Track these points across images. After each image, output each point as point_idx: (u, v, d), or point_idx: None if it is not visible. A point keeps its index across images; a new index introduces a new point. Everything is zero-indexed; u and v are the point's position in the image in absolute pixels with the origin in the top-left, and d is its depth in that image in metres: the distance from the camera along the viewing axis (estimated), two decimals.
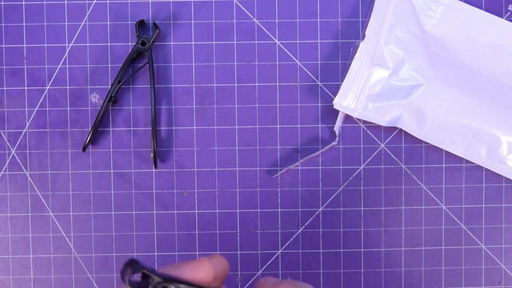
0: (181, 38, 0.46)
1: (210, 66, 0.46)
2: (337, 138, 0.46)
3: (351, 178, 0.46)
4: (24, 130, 0.46)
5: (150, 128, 0.46)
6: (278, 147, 0.46)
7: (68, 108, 0.46)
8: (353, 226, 0.46)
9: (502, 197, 0.46)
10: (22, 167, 0.46)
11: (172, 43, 0.46)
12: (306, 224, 0.46)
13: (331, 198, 0.46)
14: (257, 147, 0.46)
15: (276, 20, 0.46)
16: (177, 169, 0.46)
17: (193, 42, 0.46)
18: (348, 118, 0.46)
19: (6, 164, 0.46)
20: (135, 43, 0.45)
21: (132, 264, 0.20)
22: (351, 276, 0.46)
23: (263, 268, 0.46)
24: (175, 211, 0.46)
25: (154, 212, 0.46)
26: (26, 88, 0.46)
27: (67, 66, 0.46)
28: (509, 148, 0.45)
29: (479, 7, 0.45)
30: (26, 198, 0.46)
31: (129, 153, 0.46)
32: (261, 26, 0.46)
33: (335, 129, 0.46)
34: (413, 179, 0.46)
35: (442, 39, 0.45)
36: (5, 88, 0.46)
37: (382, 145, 0.46)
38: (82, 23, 0.46)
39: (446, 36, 0.45)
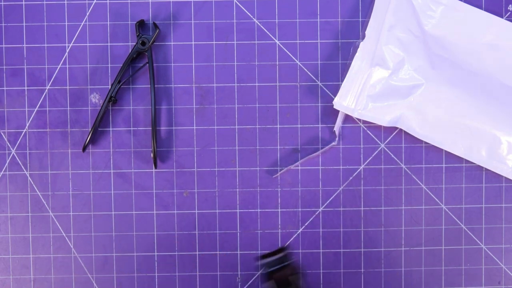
0: (181, 38, 0.46)
1: (210, 66, 0.46)
2: (337, 138, 0.46)
3: (351, 178, 0.46)
4: (24, 130, 0.46)
5: (150, 128, 0.46)
6: (278, 147, 0.46)
7: (68, 108, 0.46)
8: (353, 226, 0.46)
9: (502, 197, 0.46)
10: (22, 167, 0.46)
11: (172, 43, 0.46)
12: (306, 224, 0.46)
13: (331, 198, 0.46)
14: (257, 147, 0.46)
15: (276, 20, 0.46)
16: (177, 169, 0.46)
17: (193, 42, 0.46)
18: (348, 118, 0.46)
19: (6, 164, 0.46)
20: (135, 43, 0.45)
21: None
22: (351, 276, 0.46)
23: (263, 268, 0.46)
24: (175, 211, 0.46)
25: (154, 212, 0.46)
26: (26, 88, 0.46)
27: (67, 66, 0.46)
28: (509, 148, 0.45)
29: (479, 7, 0.45)
30: (26, 198, 0.46)
31: (129, 153, 0.46)
32: (261, 26, 0.46)
33: (335, 129, 0.46)
34: (413, 179, 0.46)
35: (442, 39, 0.45)
36: (5, 88, 0.46)
37: (382, 145, 0.46)
38: (82, 23, 0.46)
39: (446, 36, 0.45)
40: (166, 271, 0.46)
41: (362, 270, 0.46)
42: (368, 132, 0.46)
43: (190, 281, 0.46)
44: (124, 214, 0.46)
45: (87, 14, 0.46)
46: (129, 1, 0.46)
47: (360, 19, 0.46)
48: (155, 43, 0.46)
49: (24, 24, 0.46)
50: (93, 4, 0.46)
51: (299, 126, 0.46)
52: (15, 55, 0.46)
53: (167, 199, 0.46)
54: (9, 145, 0.46)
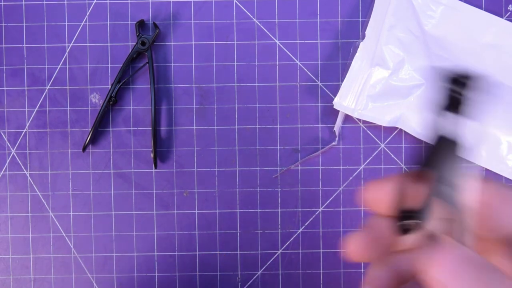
0: (181, 38, 0.46)
1: (210, 66, 0.46)
2: (337, 138, 0.46)
3: (351, 178, 0.46)
4: (24, 130, 0.46)
5: (150, 128, 0.46)
6: (278, 147, 0.46)
7: (68, 108, 0.46)
8: (353, 226, 0.46)
9: None
10: (22, 167, 0.46)
11: (172, 43, 0.46)
12: (306, 224, 0.46)
13: (331, 198, 0.46)
14: (257, 147, 0.46)
15: (276, 20, 0.46)
16: (177, 169, 0.46)
17: (193, 42, 0.46)
18: (348, 118, 0.46)
19: (6, 164, 0.46)
20: (135, 43, 0.45)
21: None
22: (351, 276, 0.46)
23: (263, 268, 0.46)
24: (175, 211, 0.46)
25: (154, 212, 0.46)
26: (26, 88, 0.46)
27: (67, 66, 0.46)
28: (509, 148, 0.45)
29: (479, 7, 0.45)
30: (26, 198, 0.46)
31: (129, 153, 0.46)
32: (261, 26, 0.46)
33: (335, 129, 0.46)
34: None
35: (442, 39, 0.45)
36: (5, 88, 0.46)
37: (382, 145, 0.46)
38: (82, 23, 0.46)
39: (446, 36, 0.45)
40: (166, 271, 0.46)
41: (362, 270, 0.46)
42: (368, 132, 0.46)
43: (190, 281, 0.46)
44: (124, 214, 0.46)
45: (87, 14, 0.46)
46: (129, 1, 0.46)
47: (360, 19, 0.46)
48: (155, 43, 0.46)
49: (24, 24, 0.46)
50: (93, 4, 0.46)
51: (299, 126, 0.46)
52: (15, 55, 0.46)
53: (167, 199, 0.46)
54: (9, 145, 0.46)
